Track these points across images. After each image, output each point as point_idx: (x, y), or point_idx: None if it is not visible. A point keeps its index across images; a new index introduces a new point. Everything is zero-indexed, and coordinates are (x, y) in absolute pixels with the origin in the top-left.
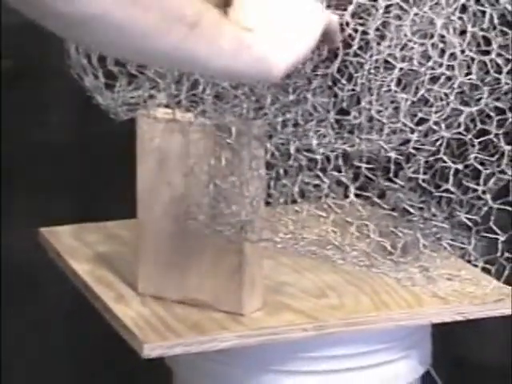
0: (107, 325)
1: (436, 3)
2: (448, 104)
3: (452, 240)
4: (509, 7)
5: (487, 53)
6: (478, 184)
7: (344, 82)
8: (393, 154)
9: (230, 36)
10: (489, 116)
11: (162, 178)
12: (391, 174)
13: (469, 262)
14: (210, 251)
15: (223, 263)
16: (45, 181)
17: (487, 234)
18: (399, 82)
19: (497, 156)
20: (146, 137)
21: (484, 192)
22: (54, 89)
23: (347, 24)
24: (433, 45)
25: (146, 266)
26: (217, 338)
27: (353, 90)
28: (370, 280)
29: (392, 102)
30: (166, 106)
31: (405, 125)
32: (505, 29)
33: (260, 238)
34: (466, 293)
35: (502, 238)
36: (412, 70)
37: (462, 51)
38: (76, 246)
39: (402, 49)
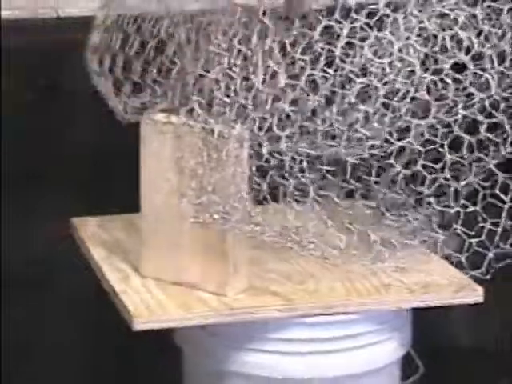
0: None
1: (396, 28)
2: (400, 116)
3: (424, 236)
4: (459, 32)
5: (440, 72)
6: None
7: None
8: (350, 159)
9: None
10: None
11: (161, 175)
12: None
13: (446, 258)
14: (201, 239)
15: (211, 250)
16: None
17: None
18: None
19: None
20: (147, 138)
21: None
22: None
23: (316, 41)
24: (390, 63)
25: (147, 251)
26: (199, 316)
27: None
28: (346, 269)
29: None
30: (165, 111)
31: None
32: (455, 51)
33: (235, 227)
34: (430, 283)
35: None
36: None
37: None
38: (97, 234)
39: (362, 67)
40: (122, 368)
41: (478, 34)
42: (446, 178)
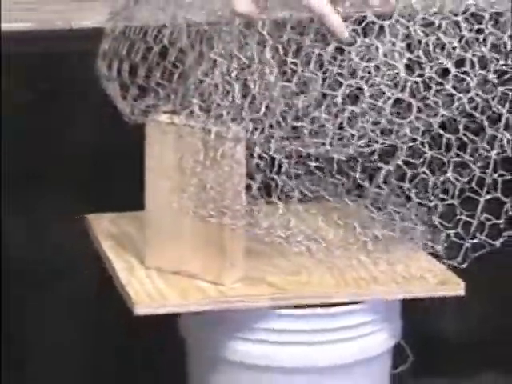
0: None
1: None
2: (384, 116)
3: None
4: (442, 37)
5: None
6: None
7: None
8: (336, 156)
9: None
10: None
11: (164, 173)
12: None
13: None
14: (201, 232)
15: (210, 243)
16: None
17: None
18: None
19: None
20: (151, 138)
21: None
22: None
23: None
24: (377, 67)
25: (151, 245)
26: (196, 303)
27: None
28: (338, 263)
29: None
30: (168, 113)
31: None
32: (439, 56)
33: (232, 223)
34: (415, 275)
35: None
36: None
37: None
38: (108, 229)
39: (351, 71)
40: (121, 368)
41: (460, 40)
42: (424, 172)
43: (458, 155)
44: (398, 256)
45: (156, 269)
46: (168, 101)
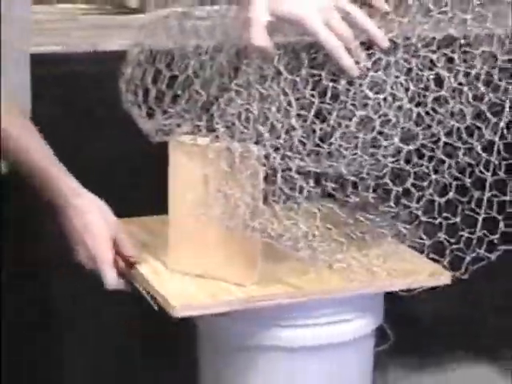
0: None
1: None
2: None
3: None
4: (441, 71)
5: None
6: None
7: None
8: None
9: None
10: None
11: (188, 187)
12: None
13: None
14: (223, 239)
15: (231, 248)
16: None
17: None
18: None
19: None
20: (174, 157)
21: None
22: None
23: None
24: (385, 99)
25: (175, 251)
26: (227, 303)
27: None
28: (340, 262)
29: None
30: (191, 133)
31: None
32: (438, 89)
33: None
34: (408, 269)
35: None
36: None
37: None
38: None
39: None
40: (122, 368)
41: (455, 75)
42: (431, 194)
43: (458, 179)
44: (390, 253)
45: (180, 272)
46: (191, 124)
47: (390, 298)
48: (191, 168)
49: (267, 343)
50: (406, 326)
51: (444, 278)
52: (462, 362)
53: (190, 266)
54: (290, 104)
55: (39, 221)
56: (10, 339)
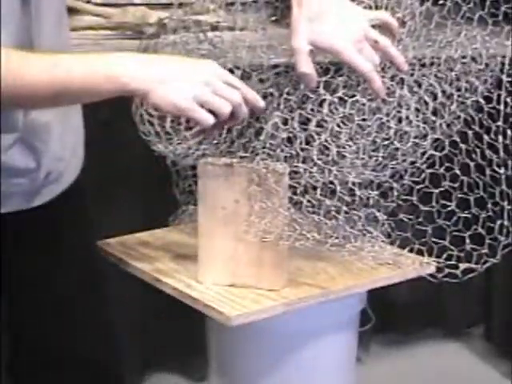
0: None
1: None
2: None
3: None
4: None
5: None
6: None
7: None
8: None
9: None
10: None
11: (218, 204)
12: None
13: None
14: (253, 250)
15: (262, 257)
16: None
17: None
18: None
19: None
20: (204, 178)
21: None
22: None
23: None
24: (387, 115)
25: (205, 264)
26: (271, 308)
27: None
28: (347, 263)
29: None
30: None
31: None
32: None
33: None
34: (402, 263)
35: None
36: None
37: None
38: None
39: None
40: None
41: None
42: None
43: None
44: (377, 250)
45: (212, 283)
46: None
47: None
48: (220, 187)
49: (265, 327)
50: (386, 308)
51: (429, 267)
52: (433, 339)
53: (220, 276)
54: (338, 125)
55: None
56: None
